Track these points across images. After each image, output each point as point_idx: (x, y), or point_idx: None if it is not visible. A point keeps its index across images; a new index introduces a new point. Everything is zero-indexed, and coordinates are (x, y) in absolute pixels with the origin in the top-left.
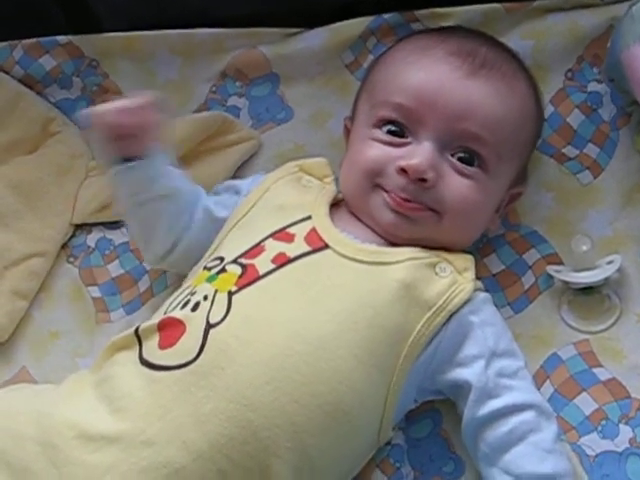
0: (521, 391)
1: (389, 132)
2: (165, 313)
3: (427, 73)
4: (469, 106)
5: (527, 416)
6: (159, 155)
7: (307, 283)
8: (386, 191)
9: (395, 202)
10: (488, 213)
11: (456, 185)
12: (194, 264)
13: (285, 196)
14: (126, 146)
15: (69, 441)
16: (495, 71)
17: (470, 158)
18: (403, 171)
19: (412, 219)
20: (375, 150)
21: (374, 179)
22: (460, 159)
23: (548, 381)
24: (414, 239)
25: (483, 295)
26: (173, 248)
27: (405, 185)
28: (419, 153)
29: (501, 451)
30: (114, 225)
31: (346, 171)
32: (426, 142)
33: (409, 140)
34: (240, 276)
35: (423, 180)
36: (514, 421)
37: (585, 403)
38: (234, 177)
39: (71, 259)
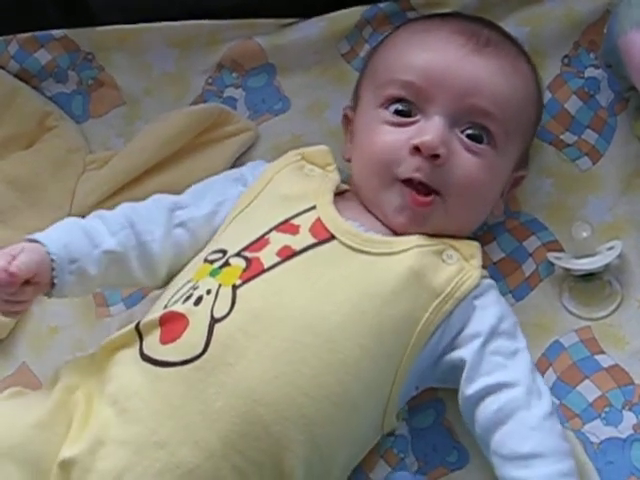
0: (514, 370)
1: (396, 112)
2: (166, 307)
3: (433, 51)
4: (477, 82)
5: (515, 393)
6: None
7: (313, 276)
8: (403, 182)
9: (412, 200)
10: (494, 194)
11: (466, 163)
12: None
13: (288, 186)
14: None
15: (80, 445)
16: (499, 50)
17: (479, 135)
18: (416, 149)
19: (423, 217)
20: (385, 136)
21: (391, 170)
22: (469, 136)
23: (551, 368)
24: (422, 231)
25: (489, 281)
26: (170, 273)
27: (419, 164)
28: (430, 129)
29: (491, 431)
30: None
31: (359, 162)
32: (436, 117)
33: (417, 118)
34: (244, 270)
35: (436, 157)
36: (501, 398)
37: (588, 390)
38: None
39: None
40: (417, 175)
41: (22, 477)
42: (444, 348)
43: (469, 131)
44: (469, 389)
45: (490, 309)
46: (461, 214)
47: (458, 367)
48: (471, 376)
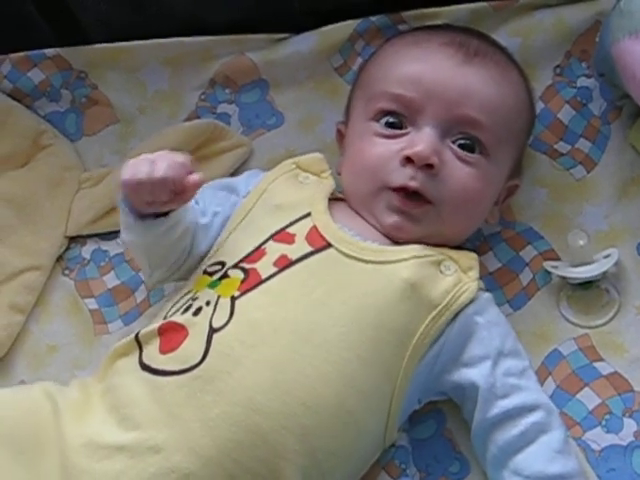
0: (530, 391)
1: (387, 124)
2: (165, 318)
3: (422, 62)
4: (467, 91)
5: (537, 417)
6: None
7: (310, 285)
8: (393, 189)
9: (401, 201)
10: (488, 202)
11: (458, 173)
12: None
13: (283, 195)
14: (162, 207)
15: (77, 448)
16: (488, 59)
17: (471, 144)
18: (408, 160)
19: (415, 218)
20: (377, 147)
21: (381, 179)
22: (461, 146)
23: (550, 377)
24: (417, 238)
25: (487, 295)
26: (178, 270)
27: (413, 174)
28: (422, 139)
29: (512, 453)
30: (109, 236)
31: (349, 173)
32: (427, 128)
33: (408, 130)
34: (243, 281)
35: (429, 166)
36: (525, 423)
37: (588, 398)
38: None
39: (66, 272)
40: (412, 183)
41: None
42: (446, 364)
43: (461, 141)
44: (487, 414)
45: (493, 329)
46: (456, 222)
47: (466, 388)
48: (488, 400)
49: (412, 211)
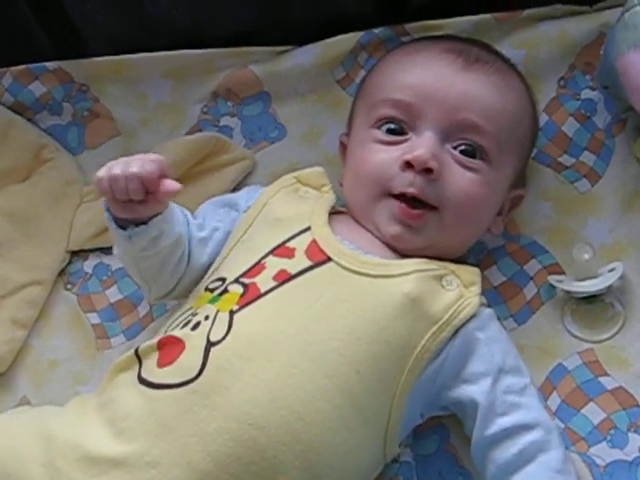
0: (529, 409)
1: (388, 131)
2: (165, 332)
3: (423, 69)
4: (467, 97)
5: (536, 436)
6: (167, 210)
7: (310, 299)
8: (394, 197)
9: (402, 212)
10: (490, 209)
11: (459, 178)
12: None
13: (283, 209)
14: (138, 209)
15: (72, 463)
16: (489, 66)
17: (472, 150)
18: (408, 165)
19: (416, 228)
20: (378, 154)
21: (382, 185)
22: (462, 152)
23: (555, 392)
24: (418, 249)
25: (488, 311)
26: (177, 285)
27: (412, 179)
28: (422, 144)
29: (510, 472)
30: (111, 250)
31: (351, 181)
32: (427, 133)
33: (409, 136)
34: (242, 295)
35: (429, 171)
36: (523, 442)
37: (593, 413)
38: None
39: (69, 286)
40: (411, 190)
41: None
42: (447, 379)
43: (462, 147)
44: (486, 431)
45: (494, 345)
46: (457, 229)
47: (466, 404)
48: (487, 418)
49: (412, 222)
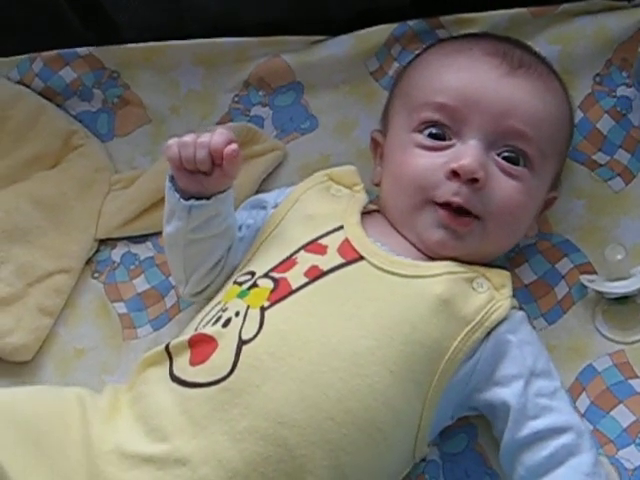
0: (560, 412)
1: (430, 135)
2: (196, 330)
3: (467, 72)
4: (513, 103)
5: (567, 439)
6: (229, 191)
7: (342, 297)
8: (439, 204)
9: (448, 218)
10: (531, 216)
11: (504, 187)
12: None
13: (315, 206)
14: (204, 181)
15: (105, 455)
16: (532, 71)
17: (516, 157)
18: (454, 174)
19: (460, 235)
20: (420, 160)
21: (425, 193)
22: (506, 158)
23: (584, 393)
24: (458, 255)
25: (520, 313)
26: (213, 281)
27: (458, 189)
28: (468, 153)
29: (539, 475)
30: (139, 239)
31: (390, 185)
32: (472, 141)
33: (453, 142)
34: (272, 290)
35: (475, 180)
36: (554, 445)
37: (622, 415)
38: (259, 189)
39: (96, 275)
40: (456, 199)
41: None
42: (479, 383)
43: (505, 154)
44: (517, 434)
45: (526, 348)
46: (499, 238)
47: (497, 407)
48: (519, 421)
49: (458, 228)
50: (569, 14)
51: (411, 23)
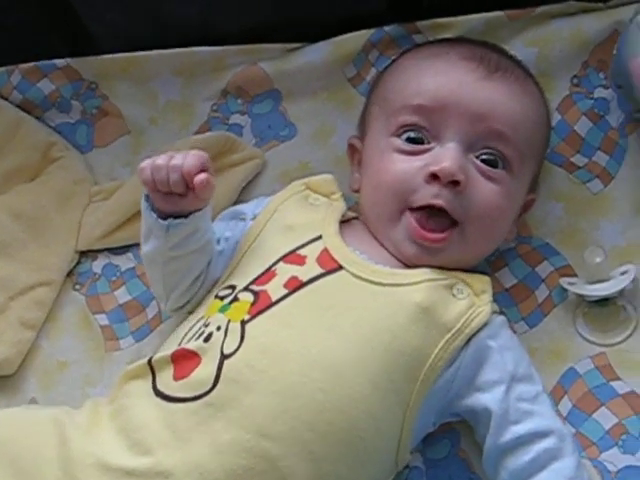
0: (542, 417)
1: (409, 140)
2: (179, 344)
3: (444, 76)
4: (490, 106)
5: (549, 443)
6: (207, 208)
7: (322, 307)
8: (414, 210)
9: (418, 235)
10: (510, 219)
11: (483, 190)
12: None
13: (294, 216)
14: (179, 202)
15: (86, 469)
16: (509, 74)
17: (494, 160)
18: (434, 177)
19: (435, 250)
20: (399, 164)
21: (404, 198)
22: (484, 161)
23: (566, 396)
24: (436, 265)
25: (500, 318)
26: (194, 296)
27: (438, 192)
28: (447, 155)
29: (523, 479)
30: (120, 250)
31: (370, 192)
32: (451, 143)
33: (431, 145)
34: (252, 304)
35: (455, 183)
36: (536, 449)
37: (604, 418)
38: (239, 197)
39: (77, 287)
40: (437, 202)
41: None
42: (460, 389)
43: (484, 156)
44: (499, 439)
45: (506, 353)
46: (478, 242)
47: (478, 412)
48: (501, 426)
49: (432, 246)
50: (545, 17)
51: (388, 29)
